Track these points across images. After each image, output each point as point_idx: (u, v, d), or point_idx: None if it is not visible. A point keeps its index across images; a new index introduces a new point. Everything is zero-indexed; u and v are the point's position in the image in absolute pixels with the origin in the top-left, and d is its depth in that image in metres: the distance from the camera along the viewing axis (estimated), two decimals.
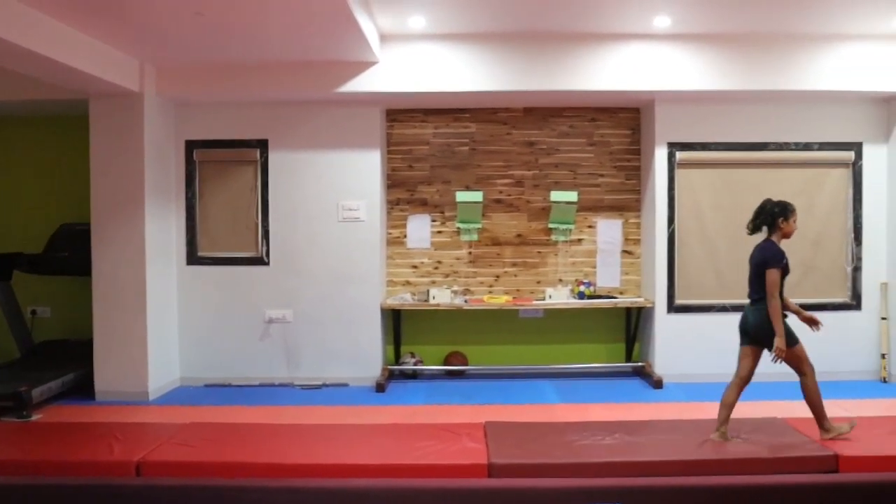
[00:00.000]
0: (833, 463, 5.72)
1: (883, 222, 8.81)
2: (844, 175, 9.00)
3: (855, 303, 8.98)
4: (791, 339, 6.06)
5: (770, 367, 8.75)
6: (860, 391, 8.31)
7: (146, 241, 8.17)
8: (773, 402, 7.72)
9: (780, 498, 4.87)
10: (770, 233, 6.21)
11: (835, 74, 8.36)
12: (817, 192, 8.97)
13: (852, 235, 8.97)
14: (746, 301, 6.27)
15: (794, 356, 6.10)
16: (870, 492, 4.88)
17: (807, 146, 8.89)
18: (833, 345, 8.76)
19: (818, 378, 8.66)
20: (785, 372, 8.71)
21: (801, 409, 7.28)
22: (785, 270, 6.07)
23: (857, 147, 8.93)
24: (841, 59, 8.35)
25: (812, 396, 6.18)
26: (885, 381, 8.65)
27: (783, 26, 8.06)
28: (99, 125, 8.18)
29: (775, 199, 6.29)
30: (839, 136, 8.91)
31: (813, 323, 6.24)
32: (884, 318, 8.70)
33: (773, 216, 6.18)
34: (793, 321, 6.19)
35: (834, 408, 7.52)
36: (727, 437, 6.12)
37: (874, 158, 8.92)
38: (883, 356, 8.79)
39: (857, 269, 8.96)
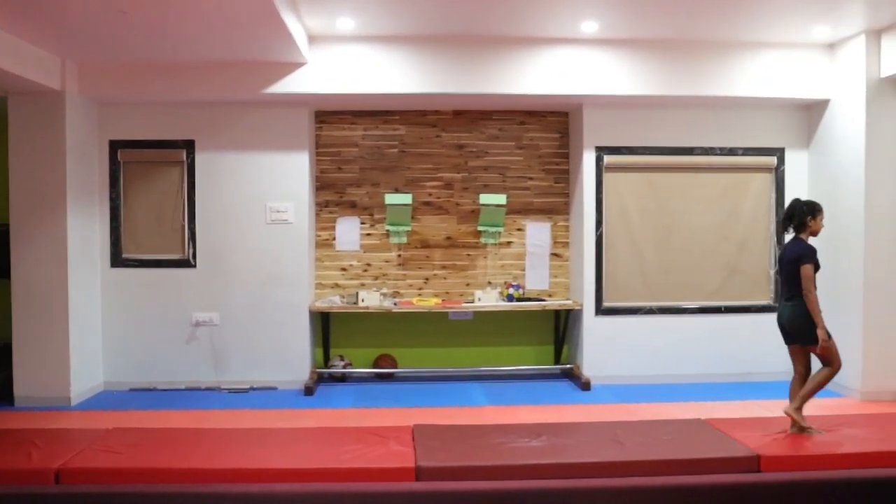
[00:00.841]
0: (755, 463, 5.80)
1: None
2: (767, 180, 9.18)
3: (777, 305, 9.14)
4: (828, 333, 6.21)
5: (692, 368, 8.95)
6: (782, 392, 8.42)
7: (68, 242, 7.99)
8: (696, 404, 7.85)
9: (704, 498, 4.91)
10: (799, 231, 6.36)
11: (758, 81, 8.54)
12: (741, 197, 9.14)
13: (775, 239, 9.15)
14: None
15: (827, 349, 6.22)
16: (791, 490, 4.95)
17: (731, 151, 9.06)
18: (757, 346, 8.97)
19: (743, 379, 8.90)
20: (708, 373, 8.92)
21: (724, 410, 7.43)
22: (817, 266, 6.23)
23: (779, 152, 9.12)
24: (763, 67, 8.53)
25: (816, 385, 6.31)
26: None
27: (708, 33, 8.19)
28: (18, 124, 7.98)
29: (803, 199, 6.45)
30: (762, 142, 9.09)
31: (823, 339, 6.28)
32: None
33: (803, 215, 6.31)
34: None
35: (755, 407, 7.68)
36: (813, 431, 6.34)
37: (796, 163, 9.12)
38: None
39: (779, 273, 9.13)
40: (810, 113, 9.04)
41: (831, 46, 8.56)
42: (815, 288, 6.18)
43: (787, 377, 8.92)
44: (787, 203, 8.99)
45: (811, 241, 6.34)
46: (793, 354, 6.45)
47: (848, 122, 8.34)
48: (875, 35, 8.02)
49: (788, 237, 6.49)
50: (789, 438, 6.29)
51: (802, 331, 6.22)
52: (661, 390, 8.54)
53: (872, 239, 7.99)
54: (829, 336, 6.20)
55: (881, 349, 8.00)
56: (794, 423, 6.33)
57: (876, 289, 7.97)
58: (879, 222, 8.04)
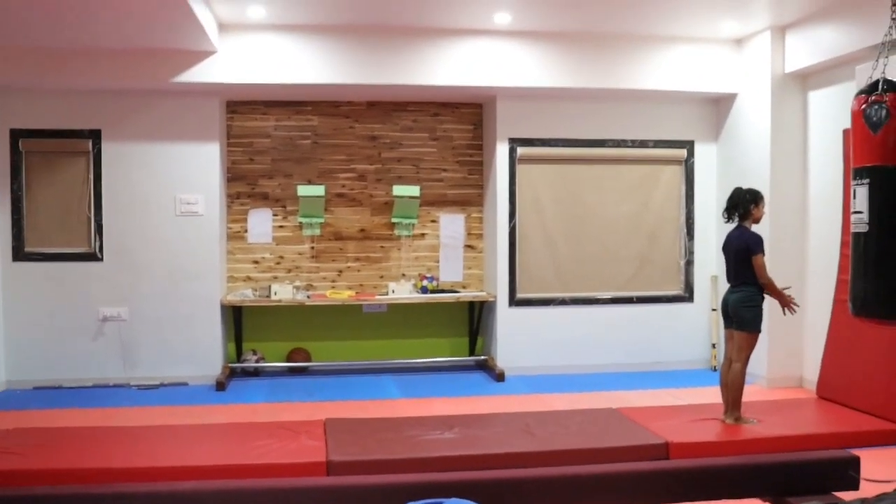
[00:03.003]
0: (664, 450, 5.90)
1: (713, 218, 9.16)
2: (678, 172, 9.33)
3: (688, 295, 9.33)
4: (756, 325, 6.34)
5: (605, 358, 9.06)
6: (692, 380, 8.65)
7: None
8: (609, 393, 7.95)
9: (614, 487, 4.95)
10: (742, 219, 6.43)
11: (668, 75, 8.67)
12: (652, 188, 9.27)
13: (685, 230, 9.31)
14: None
15: (745, 341, 6.37)
16: (699, 477, 5.01)
17: (643, 143, 9.18)
18: (668, 335, 9.15)
19: (655, 368, 9.04)
20: (621, 363, 9.04)
21: (635, 399, 7.53)
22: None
23: (689, 145, 9.28)
24: (673, 61, 8.67)
25: (736, 384, 6.43)
26: (715, 369, 9.01)
27: (620, 27, 8.29)
28: None
29: (745, 187, 6.54)
30: (673, 135, 9.25)
31: (788, 304, 6.42)
32: (714, 310, 9.06)
33: (747, 203, 6.39)
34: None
35: (666, 396, 7.81)
36: (751, 421, 6.47)
37: (705, 156, 9.30)
38: (713, 346, 9.16)
39: (689, 263, 9.32)
40: (719, 106, 9.21)
41: (739, 42, 8.73)
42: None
43: (697, 365, 9.20)
44: (696, 196, 9.23)
45: (754, 227, 6.45)
46: (728, 339, 6.56)
47: (754, 115, 8.52)
48: (780, 31, 8.20)
49: (731, 225, 6.55)
50: (697, 425, 6.41)
51: (742, 318, 6.33)
52: (574, 380, 8.62)
53: (777, 229, 8.18)
54: (757, 330, 6.37)
55: (784, 337, 8.21)
56: (730, 413, 6.46)
57: (780, 278, 8.08)
58: (784, 213, 8.24)
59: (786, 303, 6.36)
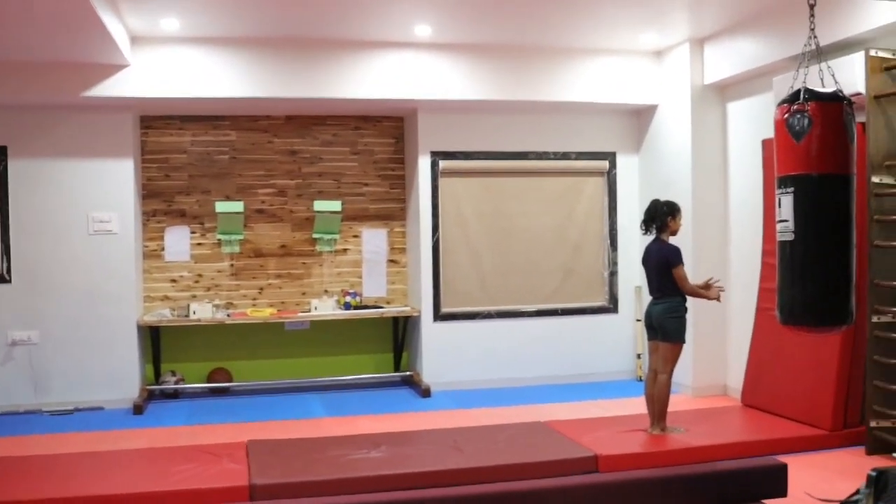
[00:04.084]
0: (593, 463, 5.87)
1: (636, 229, 9.15)
2: (600, 183, 9.36)
3: (612, 306, 9.35)
4: (680, 336, 6.35)
5: (531, 371, 9.03)
6: (619, 391, 8.66)
7: None
8: (536, 406, 7.90)
9: (545, 502, 4.89)
10: (660, 232, 6.43)
11: (589, 87, 8.71)
12: (576, 200, 9.29)
13: (608, 241, 9.34)
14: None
15: (670, 352, 6.38)
16: (629, 489, 4.99)
17: (565, 155, 9.18)
18: (593, 347, 9.17)
19: (581, 379, 9.04)
20: (547, 375, 9.01)
21: (563, 412, 7.50)
22: None
23: (611, 157, 9.32)
24: (594, 73, 8.71)
25: (661, 396, 6.43)
26: (640, 379, 9.02)
27: (541, 39, 8.29)
28: None
29: (663, 199, 6.58)
30: (595, 146, 9.28)
31: (710, 292, 6.42)
32: (638, 320, 9.08)
33: (664, 216, 6.37)
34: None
35: (593, 408, 7.79)
36: (678, 430, 6.51)
37: (627, 167, 9.35)
38: (638, 356, 9.18)
39: (613, 274, 9.34)
40: (640, 118, 9.27)
41: (658, 54, 8.80)
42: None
43: (623, 376, 9.21)
44: (619, 207, 9.27)
45: (671, 240, 6.46)
46: (653, 351, 6.56)
47: (674, 126, 8.59)
48: (698, 43, 8.29)
49: (648, 238, 6.57)
50: (625, 437, 6.40)
51: (666, 329, 6.35)
52: (501, 394, 8.55)
53: (699, 239, 8.25)
54: (681, 341, 6.39)
55: (708, 346, 8.28)
56: (656, 425, 6.45)
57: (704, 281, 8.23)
58: (706, 222, 8.31)
59: (713, 296, 6.41)
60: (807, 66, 5.00)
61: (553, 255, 9.25)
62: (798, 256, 4.73)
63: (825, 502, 4.69)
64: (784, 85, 5.36)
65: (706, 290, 6.42)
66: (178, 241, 8.90)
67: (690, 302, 6.49)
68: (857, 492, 3.89)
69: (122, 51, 7.35)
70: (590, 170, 9.31)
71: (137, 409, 8.02)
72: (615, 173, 9.32)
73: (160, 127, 8.85)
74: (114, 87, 7.84)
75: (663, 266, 6.34)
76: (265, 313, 8.74)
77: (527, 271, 9.16)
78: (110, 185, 8.32)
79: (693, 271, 7.80)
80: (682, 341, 6.39)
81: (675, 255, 6.33)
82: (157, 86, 7.91)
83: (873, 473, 3.51)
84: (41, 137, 8.21)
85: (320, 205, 8.85)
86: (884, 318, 6.11)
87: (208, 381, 8.80)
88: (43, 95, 7.82)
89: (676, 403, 7.10)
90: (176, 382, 8.64)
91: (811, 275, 4.70)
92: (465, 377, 8.86)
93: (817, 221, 4.68)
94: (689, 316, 6.46)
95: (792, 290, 4.78)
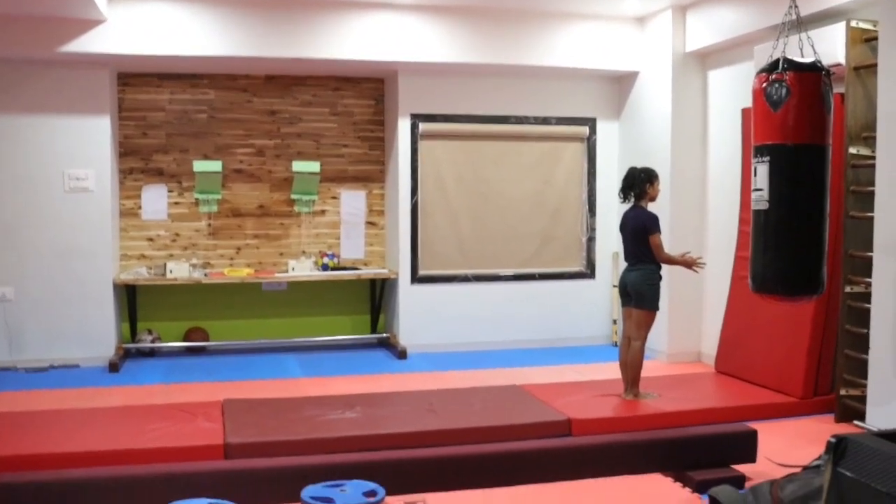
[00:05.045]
0: (566, 427, 5.92)
1: (615, 195, 9.18)
2: (580, 149, 9.36)
3: (590, 272, 9.39)
4: (653, 303, 6.37)
5: (508, 334, 9.07)
6: (594, 355, 8.72)
7: None
8: (512, 370, 7.95)
9: (518, 464, 4.95)
10: (638, 199, 6.42)
11: (571, 52, 8.67)
12: (555, 165, 9.28)
13: (587, 207, 9.35)
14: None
15: (643, 319, 6.40)
16: (602, 453, 5.07)
17: (545, 120, 9.17)
18: (570, 312, 9.22)
19: (557, 344, 9.09)
20: (524, 339, 9.06)
21: (538, 376, 7.55)
22: None
23: (591, 122, 9.31)
24: (576, 38, 8.67)
25: (635, 362, 6.47)
26: (615, 344, 9.06)
27: (523, 3, 8.24)
28: None
29: (640, 166, 6.56)
30: (575, 112, 9.26)
31: (693, 265, 6.44)
32: (615, 286, 9.12)
33: (642, 183, 6.37)
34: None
35: (569, 372, 7.84)
36: (651, 396, 6.56)
37: (607, 133, 9.34)
38: (614, 322, 9.24)
39: (591, 240, 9.37)
40: (621, 84, 9.25)
41: (640, 20, 8.76)
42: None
43: (599, 341, 9.28)
44: (598, 173, 9.28)
45: (650, 207, 6.47)
46: (627, 317, 6.58)
47: (655, 93, 8.58)
48: (681, 10, 8.26)
49: (627, 205, 6.58)
50: (599, 402, 6.45)
51: (641, 295, 6.37)
52: (477, 357, 8.59)
53: (677, 206, 8.28)
54: (655, 308, 6.42)
55: (683, 313, 8.34)
56: (629, 390, 6.51)
57: (680, 252, 8.26)
58: (684, 190, 8.34)
59: (689, 264, 6.43)
60: (787, 36, 5.01)
61: (531, 219, 9.26)
62: (771, 226, 4.76)
63: (787, 467, 4.76)
64: (765, 54, 5.35)
65: (682, 259, 6.46)
66: (156, 200, 8.85)
67: (666, 269, 6.51)
68: (819, 458, 3.95)
69: (98, 6, 7.24)
70: (570, 135, 9.29)
71: (113, 367, 8.01)
72: (595, 139, 9.31)
73: (138, 84, 8.76)
74: (90, 43, 7.73)
75: (640, 233, 6.35)
76: (242, 273, 8.72)
77: (505, 235, 9.17)
78: (87, 142, 8.23)
79: (670, 238, 7.86)
80: (657, 308, 6.42)
81: (652, 223, 6.34)
82: (134, 42, 7.81)
83: (833, 440, 3.56)
84: (15, 93, 8.10)
85: (299, 165, 8.81)
86: (857, 289, 6.17)
87: (185, 340, 8.79)
88: (17, 50, 7.70)
89: (650, 369, 7.17)
90: (152, 341, 8.63)
91: (783, 244, 4.74)
92: (441, 340, 8.90)
93: (791, 191, 4.71)
94: (664, 283, 6.50)
95: (764, 259, 4.82)
